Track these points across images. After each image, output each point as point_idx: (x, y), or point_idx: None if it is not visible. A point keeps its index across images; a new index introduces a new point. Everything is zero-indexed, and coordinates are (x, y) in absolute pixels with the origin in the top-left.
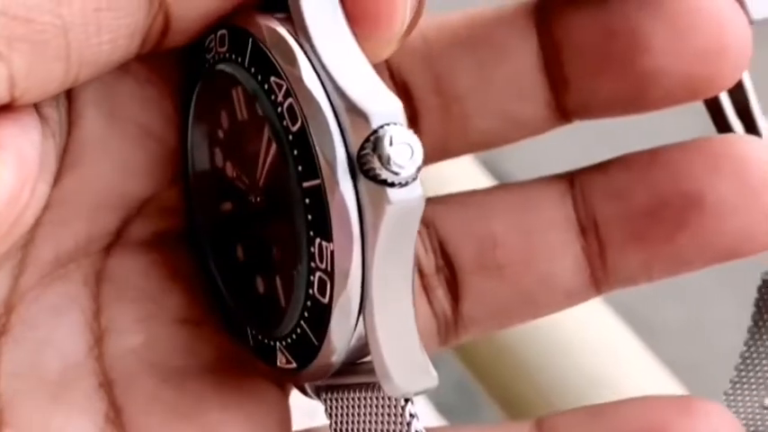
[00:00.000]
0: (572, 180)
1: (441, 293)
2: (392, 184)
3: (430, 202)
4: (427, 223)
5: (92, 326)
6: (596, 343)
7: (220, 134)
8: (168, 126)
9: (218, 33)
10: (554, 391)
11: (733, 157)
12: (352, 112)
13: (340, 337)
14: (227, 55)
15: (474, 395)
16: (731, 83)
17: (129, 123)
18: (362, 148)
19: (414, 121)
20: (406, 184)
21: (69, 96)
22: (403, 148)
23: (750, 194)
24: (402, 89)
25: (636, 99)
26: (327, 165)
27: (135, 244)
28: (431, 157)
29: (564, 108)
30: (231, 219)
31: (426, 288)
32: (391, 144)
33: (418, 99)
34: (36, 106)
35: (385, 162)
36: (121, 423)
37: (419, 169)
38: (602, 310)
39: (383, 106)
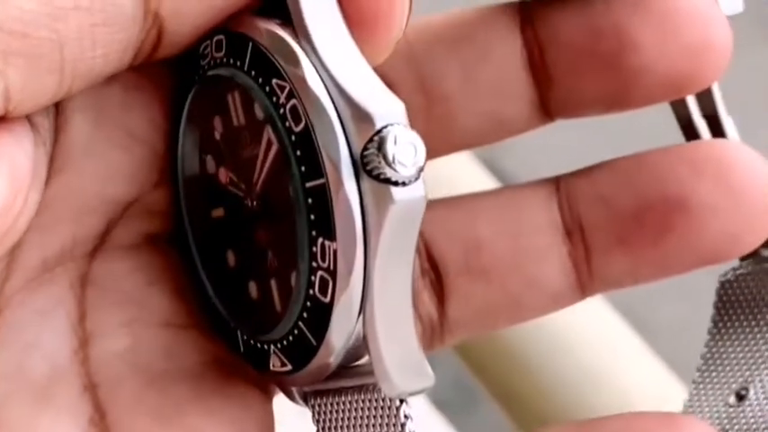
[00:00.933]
0: (558, 184)
1: (426, 297)
2: (396, 183)
3: None
4: None
5: (77, 330)
6: (595, 340)
7: (213, 140)
8: (155, 130)
9: (215, 39)
10: (552, 388)
11: (715, 161)
12: (356, 112)
13: (339, 337)
14: (225, 60)
15: (472, 391)
16: (715, 79)
17: (114, 128)
18: (366, 147)
19: None
20: (410, 183)
21: (57, 103)
22: (407, 147)
23: (733, 198)
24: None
25: (621, 97)
26: (332, 164)
27: (121, 247)
28: None
29: (548, 106)
30: (222, 225)
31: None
32: (395, 144)
33: (403, 99)
34: (27, 115)
35: (390, 161)
36: (106, 426)
37: (422, 169)
38: (601, 307)
39: (386, 107)
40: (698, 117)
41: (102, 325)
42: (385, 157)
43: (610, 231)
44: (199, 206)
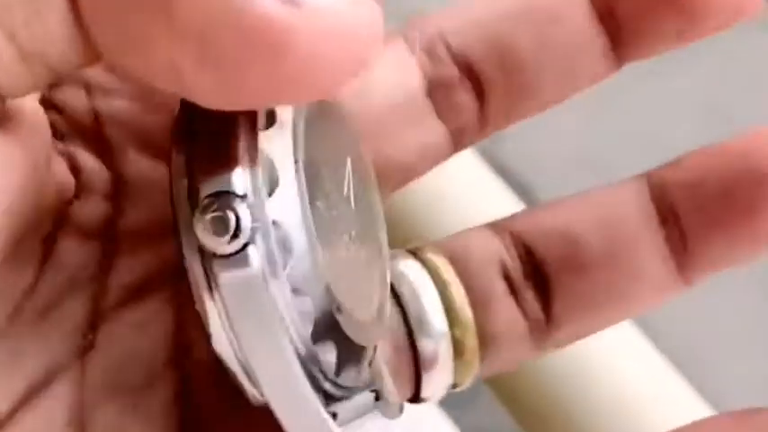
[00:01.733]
0: (647, 177)
1: (530, 296)
2: (217, 255)
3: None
4: (509, 230)
5: (173, 341)
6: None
7: None
8: None
9: None
10: (552, 384)
11: None
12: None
13: (248, 388)
14: None
15: (471, 387)
16: None
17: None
18: (194, 217)
19: (481, 95)
20: (234, 255)
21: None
22: (221, 219)
23: None
24: (465, 69)
25: (689, 28)
26: (178, 229)
27: None
28: (499, 125)
29: (619, 52)
30: None
31: (515, 292)
32: (211, 215)
33: (482, 74)
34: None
35: (207, 232)
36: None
37: (245, 241)
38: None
39: (214, 174)
40: None
41: (195, 334)
42: (204, 228)
43: (702, 213)
44: None
